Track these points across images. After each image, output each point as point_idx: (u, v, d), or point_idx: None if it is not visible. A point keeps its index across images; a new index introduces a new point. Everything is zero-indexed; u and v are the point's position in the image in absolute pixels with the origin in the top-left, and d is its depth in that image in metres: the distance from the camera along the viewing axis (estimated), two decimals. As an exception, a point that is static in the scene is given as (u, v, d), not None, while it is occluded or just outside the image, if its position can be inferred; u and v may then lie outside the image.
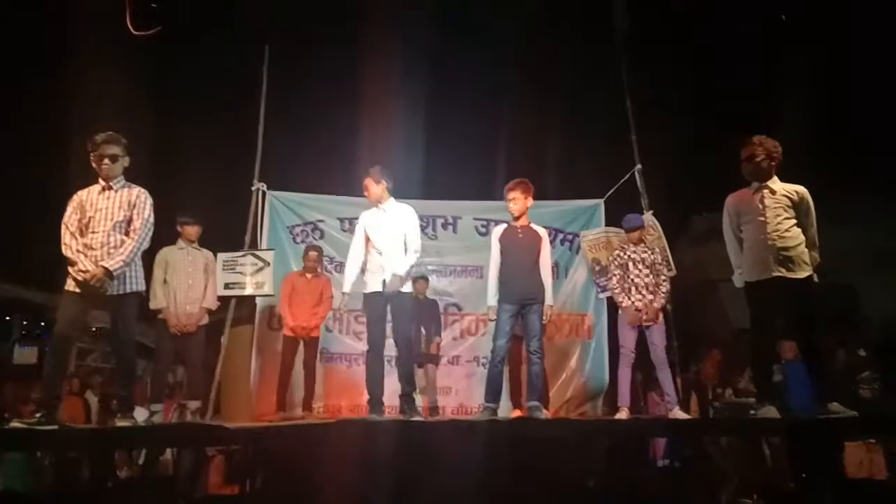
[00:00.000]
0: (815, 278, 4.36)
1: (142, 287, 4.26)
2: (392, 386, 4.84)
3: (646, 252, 5.43)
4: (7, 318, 11.31)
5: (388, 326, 4.88)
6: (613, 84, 7.16)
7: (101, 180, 4.16)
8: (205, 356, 5.89)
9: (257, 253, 6.66)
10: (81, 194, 4.17)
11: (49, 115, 7.33)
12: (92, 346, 11.82)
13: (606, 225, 7.29)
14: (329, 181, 7.83)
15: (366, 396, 4.82)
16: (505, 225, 5.10)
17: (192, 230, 5.79)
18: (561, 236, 7.42)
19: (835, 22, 7.00)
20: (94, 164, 4.14)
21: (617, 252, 5.55)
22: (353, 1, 7.51)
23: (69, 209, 4.12)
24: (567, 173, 8.47)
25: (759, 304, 4.40)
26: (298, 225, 7.35)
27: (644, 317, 5.19)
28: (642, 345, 5.23)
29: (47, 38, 7.17)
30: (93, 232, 4.05)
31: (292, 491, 3.89)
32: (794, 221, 4.35)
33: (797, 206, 4.37)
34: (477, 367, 7.13)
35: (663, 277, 5.33)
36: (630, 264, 5.35)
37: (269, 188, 7.15)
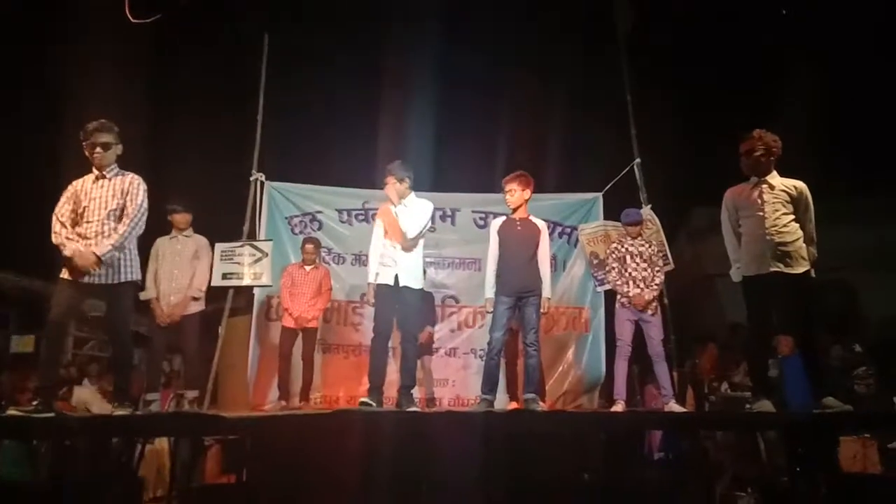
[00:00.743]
0: (813, 274, 4.36)
1: (137, 276, 4.23)
2: (391, 377, 4.86)
3: (643, 245, 5.44)
4: (4, 307, 11.28)
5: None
6: (613, 77, 7.15)
7: (94, 169, 4.15)
8: (202, 346, 5.88)
9: (255, 243, 6.66)
10: (76, 184, 4.15)
11: (46, 103, 7.31)
12: (89, 335, 11.80)
13: (605, 218, 7.29)
14: (328, 172, 7.82)
15: (364, 386, 4.84)
16: (504, 217, 5.10)
17: (181, 218, 5.76)
18: (559, 229, 7.43)
19: (837, 17, 6.99)
20: (86, 153, 4.11)
21: (615, 245, 5.56)
22: (353, -8, 7.49)
23: (62, 199, 4.10)
24: (566, 166, 8.46)
25: (757, 299, 4.41)
26: (297, 216, 7.35)
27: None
28: (639, 338, 5.25)
29: (45, 26, 7.13)
30: (87, 221, 4.04)
31: (289, 480, 3.90)
32: (793, 217, 4.34)
33: (796, 202, 4.36)
34: (474, 359, 7.15)
35: (658, 269, 5.34)
36: (628, 257, 5.36)
37: (267, 179, 7.14)
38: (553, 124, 9.03)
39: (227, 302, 6.69)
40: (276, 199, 7.28)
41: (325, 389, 6.89)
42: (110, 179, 4.14)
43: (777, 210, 4.32)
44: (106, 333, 5.69)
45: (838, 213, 6.07)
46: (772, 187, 4.37)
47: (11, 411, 3.98)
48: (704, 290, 9.06)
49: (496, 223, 5.09)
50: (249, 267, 6.55)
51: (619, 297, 5.36)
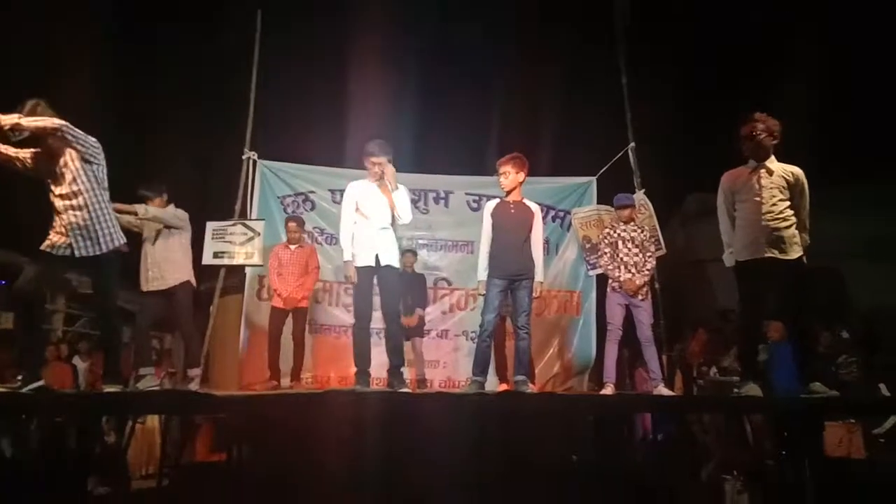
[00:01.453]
0: (805, 260, 4.38)
1: (119, 241, 4.08)
2: (379, 358, 4.85)
3: (635, 231, 5.44)
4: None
5: (375, 300, 4.87)
6: (609, 61, 7.11)
7: None
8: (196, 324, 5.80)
9: (247, 223, 6.64)
10: None
11: (35, 78, 7.20)
12: (80, 312, 11.79)
13: (598, 203, 7.30)
14: (321, 152, 7.78)
15: (354, 368, 4.83)
16: (497, 200, 5.08)
17: (157, 203, 5.39)
18: (552, 213, 7.43)
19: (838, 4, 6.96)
20: None
21: (607, 230, 5.56)
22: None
23: None
24: (560, 150, 8.44)
25: (749, 284, 4.41)
26: (289, 195, 7.31)
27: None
28: (629, 322, 5.27)
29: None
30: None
31: (279, 459, 3.92)
32: (789, 203, 4.32)
33: (792, 188, 4.34)
34: (465, 341, 7.18)
35: (649, 254, 5.35)
36: (620, 243, 5.36)
37: (259, 158, 7.09)
38: (548, 107, 8.99)
39: (218, 281, 6.67)
40: (269, 178, 7.24)
41: (316, 370, 6.90)
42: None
43: (774, 196, 4.30)
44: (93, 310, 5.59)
45: (832, 202, 6.07)
46: (770, 172, 4.34)
47: (-1, 388, 3.98)
48: (695, 275, 9.10)
49: (490, 205, 5.07)
50: (241, 246, 6.53)
51: (610, 281, 5.37)
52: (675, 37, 8.23)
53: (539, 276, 4.96)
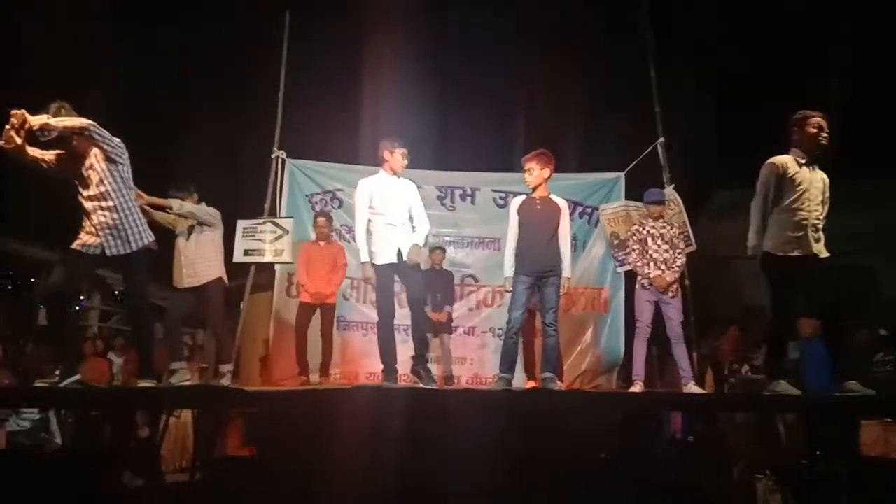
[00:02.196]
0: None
1: (148, 239, 4.15)
2: (405, 354, 4.86)
3: (665, 227, 5.38)
4: (33, 280, 11.53)
5: (399, 296, 4.88)
6: (637, 55, 7.03)
7: None
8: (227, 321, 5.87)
9: (276, 221, 6.72)
10: None
11: (64, 81, 7.36)
12: (115, 309, 12.03)
13: (627, 198, 7.23)
14: (348, 150, 7.82)
15: (381, 365, 4.85)
16: (524, 196, 5.06)
17: (189, 202, 5.40)
18: (580, 209, 7.38)
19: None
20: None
21: (636, 227, 5.50)
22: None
23: None
24: (588, 145, 8.38)
25: (783, 280, 4.33)
26: (318, 193, 7.38)
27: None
28: (658, 319, 5.22)
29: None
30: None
31: (308, 454, 3.95)
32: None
33: (825, 191, 4.39)
34: (492, 337, 7.18)
35: (679, 251, 5.29)
36: (649, 239, 5.31)
37: (288, 156, 7.16)
38: (576, 102, 8.93)
39: (248, 279, 6.76)
40: (297, 176, 7.32)
41: (344, 366, 6.97)
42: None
43: (821, 193, 4.35)
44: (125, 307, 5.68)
45: (852, 195, 5.95)
46: (815, 170, 4.36)
47: (38, 383, 4.08)
48: (724, 272, 8.97)
49: (516, 202, 5.05)
50: (270, 244, 6.61)
51: (639, 278, 5.32)
52: (705, 30, 8.11)
53: (566, 271, 4.91)
